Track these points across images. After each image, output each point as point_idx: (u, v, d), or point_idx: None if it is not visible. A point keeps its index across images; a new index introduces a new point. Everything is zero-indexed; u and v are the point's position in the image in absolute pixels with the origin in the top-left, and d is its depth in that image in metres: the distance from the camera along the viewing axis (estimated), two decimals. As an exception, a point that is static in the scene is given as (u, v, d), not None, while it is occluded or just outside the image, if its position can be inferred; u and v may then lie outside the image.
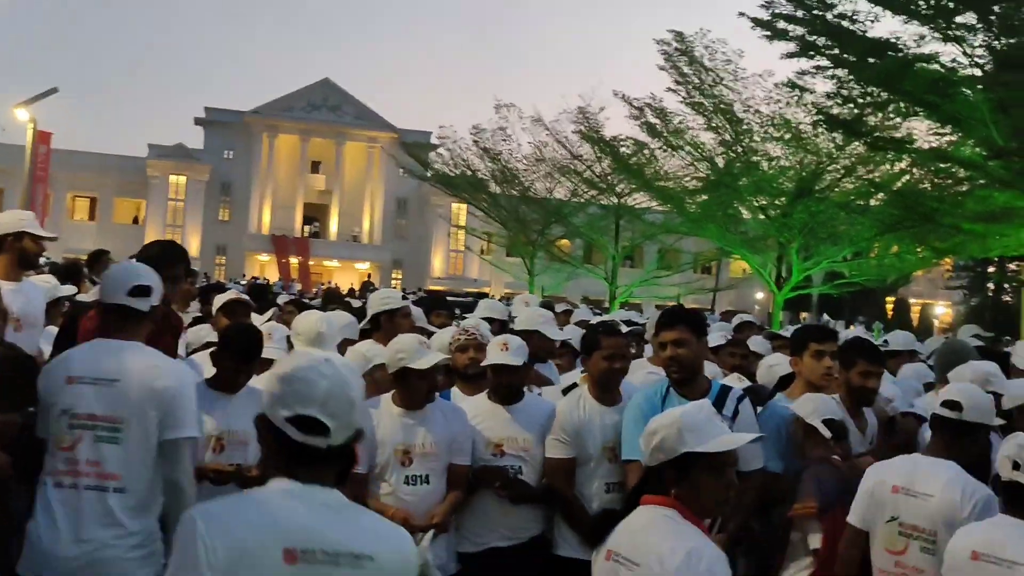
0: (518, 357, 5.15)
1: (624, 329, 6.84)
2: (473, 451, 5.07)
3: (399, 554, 2.44)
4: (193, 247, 67.37)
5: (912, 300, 65.43)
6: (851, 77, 21.72)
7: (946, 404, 4.21)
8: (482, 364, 5.30)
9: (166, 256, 4.91)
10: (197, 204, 69.46)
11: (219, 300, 6.62)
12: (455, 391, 5.54)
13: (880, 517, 4.24)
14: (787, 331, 9.30)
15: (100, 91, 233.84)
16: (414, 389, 4.91)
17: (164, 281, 4.34)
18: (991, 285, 56.64)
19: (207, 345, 6.57)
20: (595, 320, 8.37)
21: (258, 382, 5.07)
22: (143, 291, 4.10)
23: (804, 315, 49.91)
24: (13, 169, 53.28)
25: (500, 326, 7.28)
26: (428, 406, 4.98)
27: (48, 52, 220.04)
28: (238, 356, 4.83)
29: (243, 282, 47.59)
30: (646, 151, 34.68)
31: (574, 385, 5.73)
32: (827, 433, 4.77)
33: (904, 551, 4.17)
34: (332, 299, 11.33)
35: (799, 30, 21.62)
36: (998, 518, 3.80)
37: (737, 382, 5.83)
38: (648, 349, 7.82)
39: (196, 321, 8.25)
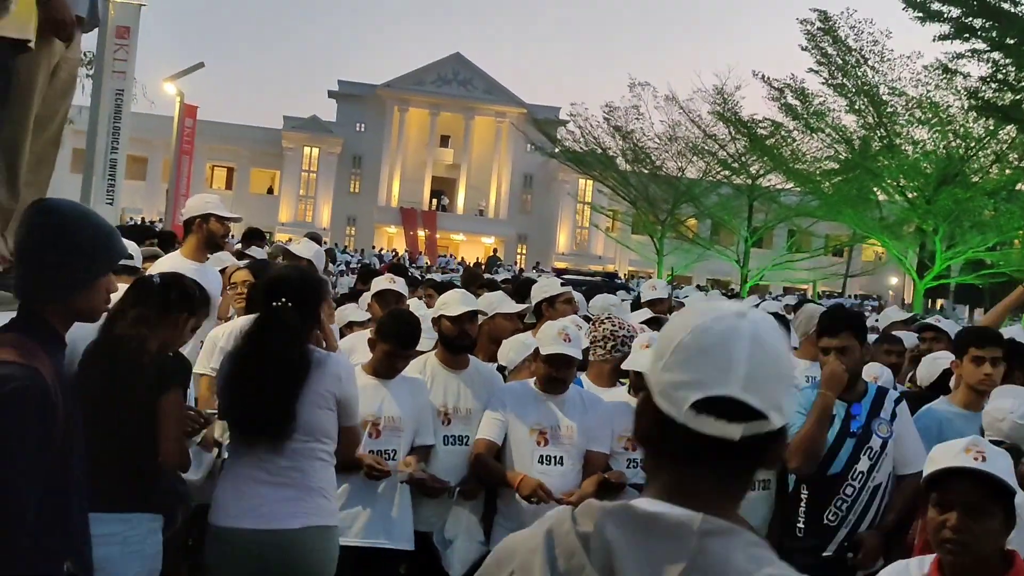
0: None
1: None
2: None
3: None
4: (324, 218, 68.86)
5: (1058, 291, 62.55)
6: (1008, 61, 20.70)
7: None
8: (622, 367, 5.23)
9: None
10: (329, 176, 70.83)
11: (375, 286, 6.69)
12: (585, 379, 5.48)
13: None
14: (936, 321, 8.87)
15: (238, 64, 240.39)
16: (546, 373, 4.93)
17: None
18: None
19: (349, 325, 6.67)
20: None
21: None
22: None
23: (940, 303, 48.27)
24: (157, 140, 55.35)
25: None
26: (569, 392, 4.99)
27: (191, 27, 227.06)
28: (399, 344, 4.87)
29: (380, 253, 48.54)
30: (783, 132, 33.96)
31: None
32: None
33: None
34: (472, 280, 11.27)
35: (954, 11, 20.72)
36: None
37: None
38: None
39: (344, 299, 8.38)
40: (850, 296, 46.84)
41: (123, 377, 3.42)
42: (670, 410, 1.47)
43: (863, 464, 4.68)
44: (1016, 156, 27.70)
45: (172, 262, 5.67)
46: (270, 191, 72.43)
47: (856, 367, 4.83)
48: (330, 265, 9.67)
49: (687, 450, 1.46)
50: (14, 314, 3.17)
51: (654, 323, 6.93)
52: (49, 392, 2.34)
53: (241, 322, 5.33)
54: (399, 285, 6.58)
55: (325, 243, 12.24)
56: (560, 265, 53.97)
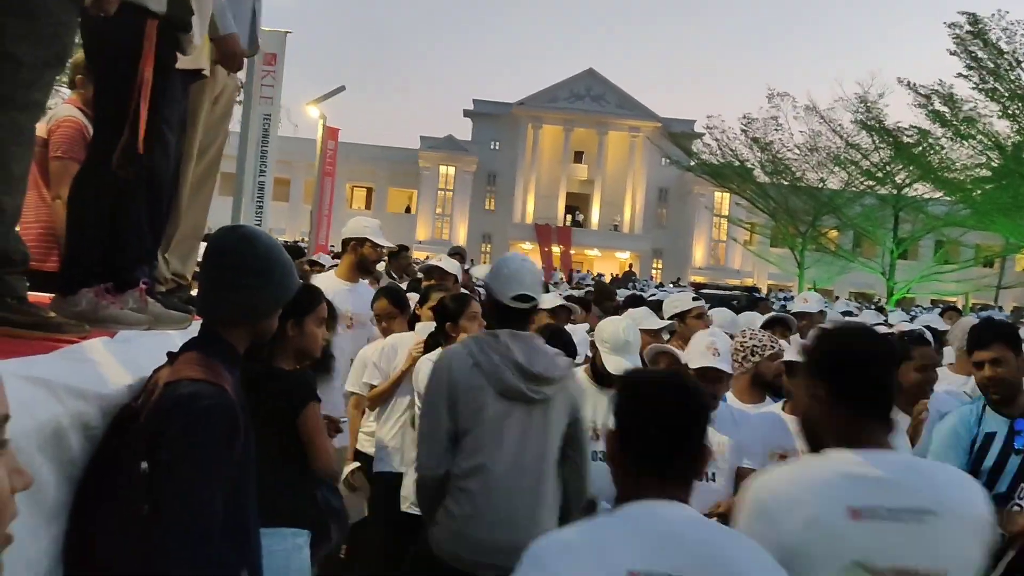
0: None
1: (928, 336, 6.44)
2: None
3: None
4: (460, 236, 69.78)
5: None
6: None
7: None
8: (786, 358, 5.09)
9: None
10: (465, 194, 71.78)
11: (546, 303, 6.93)
12: (729, 395, 5.36)
13: None
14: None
15: (376, 87, 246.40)
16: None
17: None
18: None
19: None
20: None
21: None
22: None
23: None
24: (299, 162, 57.09)
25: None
26: (719, 407, 4.86)
27: (332, 51, 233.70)
28: None
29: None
30: (931, 139, 32.87)
31: None
32: None
33: None
34: (605, 296, 11.32)
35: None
36: None
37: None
38: (947, 354, 7.34)
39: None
40: (999, 308, 44.95)
41: (262, 394, 3.46)
42: (501, 300, 3.89)
43: None
44: None
45: (326, 281, 5.82)
46: (407, 210, 73.77)
47: (1015, 379, 4.62)
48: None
49: (509, 315, 3.90)
50: (172, 332, 3.30)
51: (779, 323, 7.08)
52: (236, 409, 2.41)
53: (391, 340, 5.49)
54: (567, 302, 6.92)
55: (470, 261, 12.38)
56: (697, 279, 53.37)
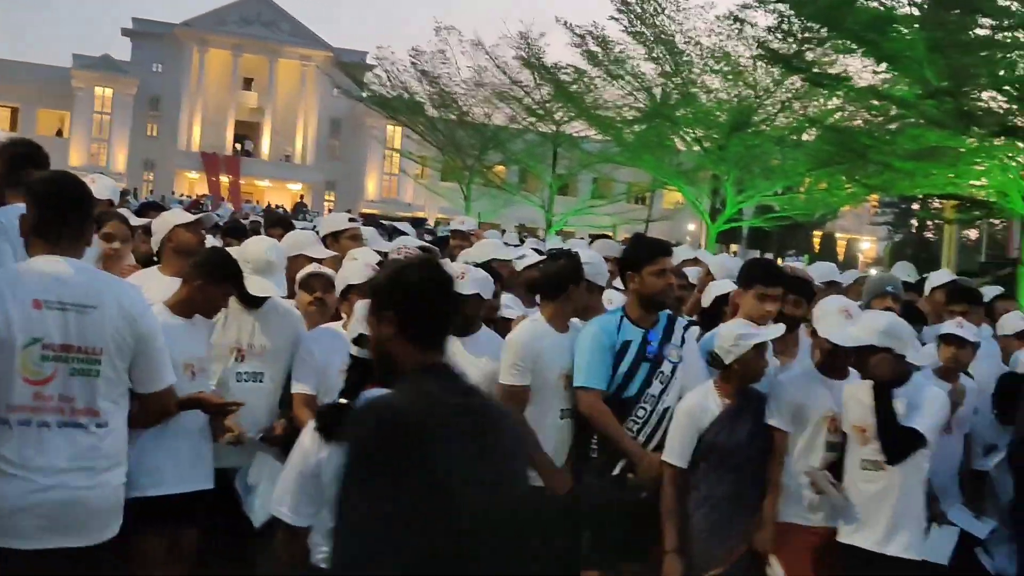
0: (471, 287, 4.99)
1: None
2: None
3: None
4: (120, 162, 65.89)
5: (839, 235, 66.50)
6: (792, 12, 21.63)
7: None
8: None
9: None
10: (124, 118, 67.62)
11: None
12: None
13: None
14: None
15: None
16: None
17: None
18: (914, 222, 57.77)
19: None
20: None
21: None
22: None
23: (734, 247, 50.53)
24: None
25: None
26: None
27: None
28: (231, 282, 4.64)
29: (181, 199, 46.80)
30: (586, 79, 34.61)
31: None
32: None
33: None
34: (275, 222, 11.09)
35: (743, -40, 21.54)
36: None
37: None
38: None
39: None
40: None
41: None
42: None
43: (655, 388, 4.93)
44: (801, 105, 29.23)
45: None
46: (59, 133, 68.53)
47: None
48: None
49: None
50: None
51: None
52: None
53: None
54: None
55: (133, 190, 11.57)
56: (369, 212, 53.45)
